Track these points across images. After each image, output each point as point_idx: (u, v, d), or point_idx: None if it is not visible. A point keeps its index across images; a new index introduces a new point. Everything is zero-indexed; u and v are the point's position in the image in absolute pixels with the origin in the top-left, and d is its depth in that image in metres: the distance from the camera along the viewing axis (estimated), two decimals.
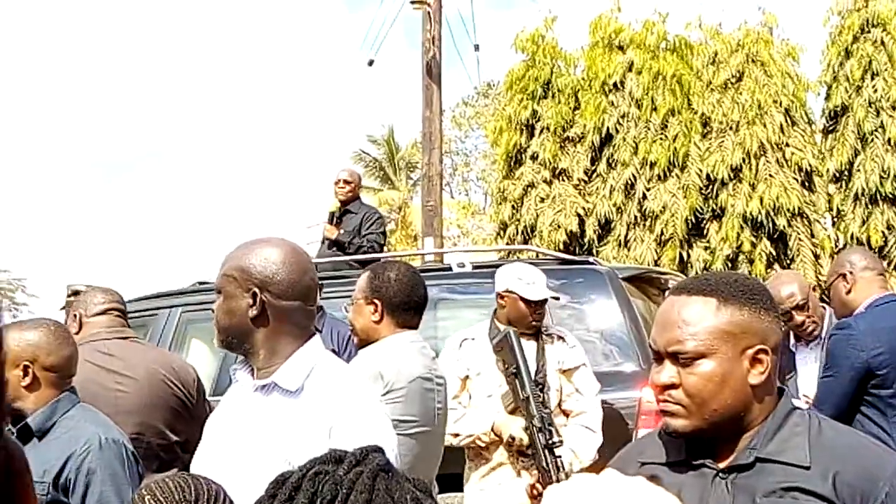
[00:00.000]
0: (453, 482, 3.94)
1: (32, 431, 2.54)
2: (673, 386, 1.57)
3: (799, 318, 4.06)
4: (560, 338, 3.85)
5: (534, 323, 3.76)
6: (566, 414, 3.77)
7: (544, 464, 3.42)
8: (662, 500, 0.76)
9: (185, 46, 50.83)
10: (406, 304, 3.06)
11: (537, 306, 3.75)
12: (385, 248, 7.36)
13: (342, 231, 6.45)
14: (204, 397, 3.49)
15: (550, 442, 3.42)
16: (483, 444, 3.66)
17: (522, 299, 3.73)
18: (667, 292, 3.92)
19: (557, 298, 3.97)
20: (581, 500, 0.75)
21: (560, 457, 3.45)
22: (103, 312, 3.37)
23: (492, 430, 3.61)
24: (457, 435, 3.66)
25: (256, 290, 1.98)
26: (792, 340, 4.26)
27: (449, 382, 3.72)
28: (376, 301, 3.03)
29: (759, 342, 1.56)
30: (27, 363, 2.55)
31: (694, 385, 1.56)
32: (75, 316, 3.37)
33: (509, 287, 3.77)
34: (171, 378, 3.37)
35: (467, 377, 3.76)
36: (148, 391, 3.27)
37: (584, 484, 0.77)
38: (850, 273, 3.57)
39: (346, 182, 6.58)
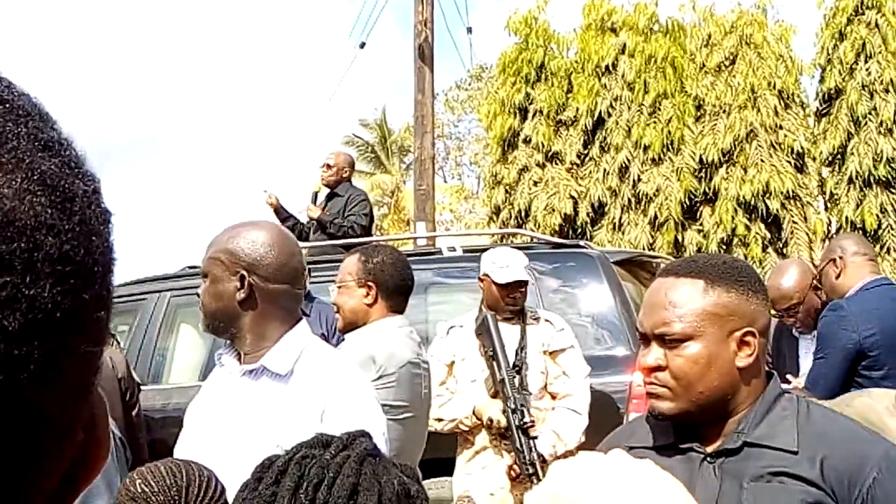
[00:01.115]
0: (446, 467, 3.94)
1: None
2: (659, 368, 1.56)
3: (790, 320, 4.08)
4: (547, 321, 3.86)
5: (508, 306, 3.77)
6: (553, 396, 3.78)
7: (518, 445, 3.46)
8: (667, 484, 0.74)
9: (177, 32, 50.59)
10: (400, 287, 3.06)
11: (510, 289, 3.76)
12: (374, 231, 7.34)
13: (327, 213, 6.45)
14: (133, 388, 3.52)
15: (522, 422, 3.45)
16: (466, 428, 3.69)
17: (494, 283, 3.76)
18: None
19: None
20: (585, 477, 0.73)
21: (535, 437, 3.49)
22: None
23: (473, 413, 3.63)
24: (440, 420, 3.70)
25: (244, 273, 1.96)
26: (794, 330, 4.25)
27: (436, 369, 3.75)
28: (370, 284, 3.02)
29: (747, 324, 1.55)
30: None
31: (680, 367, 1.54)
32: None
33: (485, 271, 3.82)
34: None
35: (453, 363, 3.80)
36: None
37: (589, 462, 0.75)
38: (841, 258, 3.57)
39: (327, 166, 6.59)
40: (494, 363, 3.58)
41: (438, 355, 3.82)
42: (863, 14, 11.04)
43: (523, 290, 3.79)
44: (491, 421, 3.55)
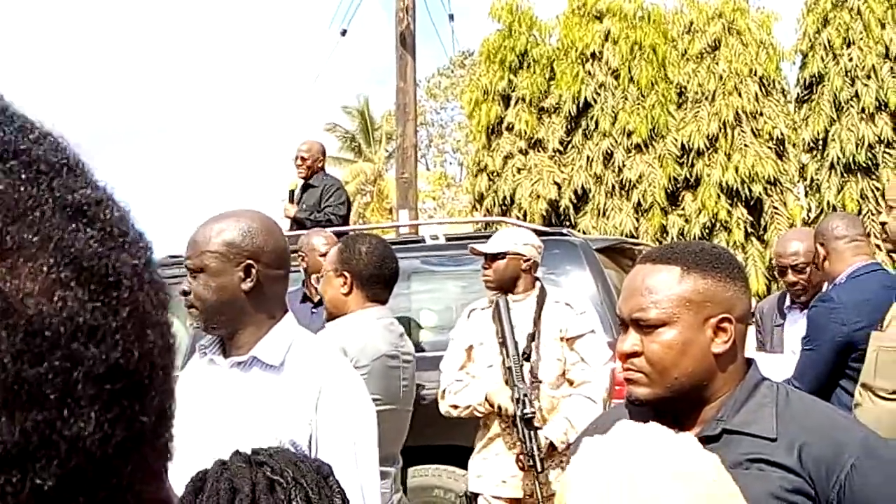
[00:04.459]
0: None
1: None
2: (635, 354, 1.56)
3: (792, 277, 3.99)
4: (567, 304, 3.71)
5: (486, 281, 3.69)
6: (570, 383, 3.65)
7: (520, 435, 3.41)
8: (695, 455, 0.75)
9: (167, 23, 50.22)
10: (376, 277, 3.03)
11: (486, 261, 3.70)
12: (357, 220, 7.29)
13: (303, 206, 6.34)
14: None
15: (524, 413, 3.39)
16: (481, 415, 3.63)
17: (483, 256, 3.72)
18: None
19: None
20: (618, 449, 0.73)
21: (538, 428, 3.42)
22: None
23: (486, 399, 3.56)
24: (456, 406, 3.64)
25: (250, 262, 1.93)
26: (787, 303, 4.21)
27: (455, 353, 3.73)
28: (346, 273, 3.00)
29: (723, 311, 1.54)
30: None
31: (655, 353, 1.54)
32: None
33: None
34: None
35: (471, 347, 3.72)
36: None
37: (624, 433, 0.75)
38: (822, 244, 3.51)
39: (301, 159, 6.43)
40: (504, 350, 3.51)
41: (458, 339, 3.76)
42: (846, 0, 11.08)
43: (500, 264, 3.67)
44: (500, 408, 3.49)
